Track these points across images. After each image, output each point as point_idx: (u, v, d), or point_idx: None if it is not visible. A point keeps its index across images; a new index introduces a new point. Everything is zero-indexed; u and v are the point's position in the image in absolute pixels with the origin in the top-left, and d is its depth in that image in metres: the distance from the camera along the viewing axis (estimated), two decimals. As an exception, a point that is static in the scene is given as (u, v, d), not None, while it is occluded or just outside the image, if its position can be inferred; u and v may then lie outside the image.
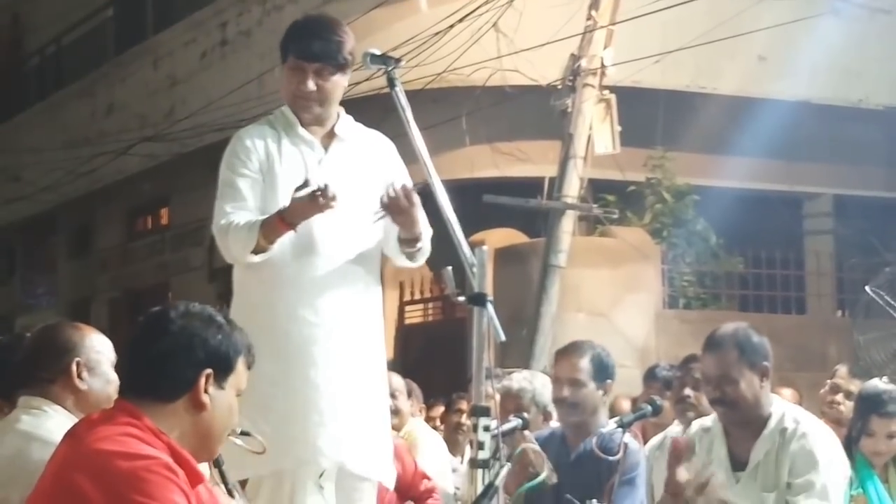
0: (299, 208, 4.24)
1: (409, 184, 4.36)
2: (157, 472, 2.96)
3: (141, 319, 3.23)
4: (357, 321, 4.49)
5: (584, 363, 5.48)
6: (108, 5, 20.11)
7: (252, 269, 4.45)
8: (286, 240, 4.35)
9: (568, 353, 5.62)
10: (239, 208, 4.43)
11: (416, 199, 4.34)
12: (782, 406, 4.90)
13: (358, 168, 4.55)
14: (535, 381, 6.02)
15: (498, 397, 4.79)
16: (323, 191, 4.17)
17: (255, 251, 4.35)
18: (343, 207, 4.37)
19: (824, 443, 4.78)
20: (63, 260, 21.65)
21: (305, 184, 4.22)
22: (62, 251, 21.71)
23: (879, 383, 6.16)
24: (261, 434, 4.19)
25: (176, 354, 3.11)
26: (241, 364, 3.22)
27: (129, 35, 19.06)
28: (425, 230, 4.48)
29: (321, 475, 4.38)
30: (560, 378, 5.55)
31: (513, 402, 5.73)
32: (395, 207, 4.33)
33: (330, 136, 4.57)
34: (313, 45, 4.49)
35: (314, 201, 4.19)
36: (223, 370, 3.17)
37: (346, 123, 4.62)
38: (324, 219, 4.34)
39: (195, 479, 3.09)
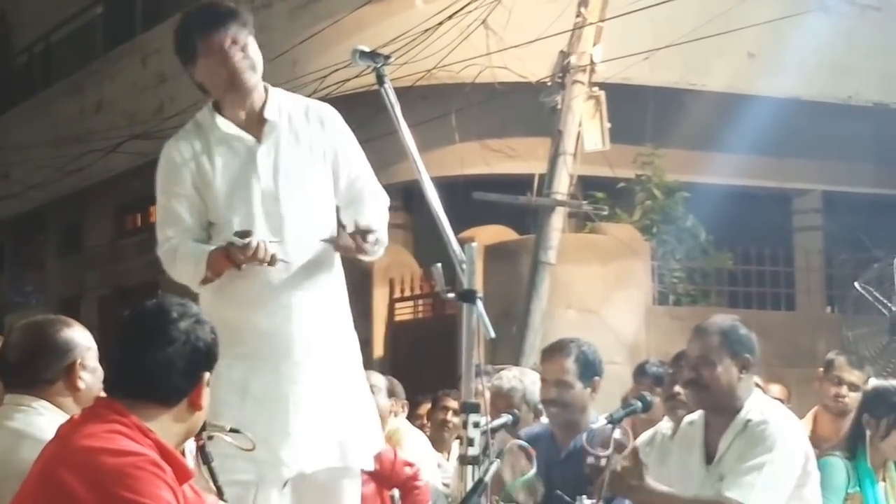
0: (240, 257, 4.16)
1: (361, 222, 4.29)
2: (144, 469, 2.96)
3: (137, 318, 3.20)
4: (322, 316, 4.41)
5: (570, 364, 5.49)
6: (97, 3, 20.07)
7: (210, 286, 4.36)
8: None
9: (553, 353, 5.62)
10: (180, 232, 4.35)
11: (368, 240, 4.29)
12: (758, 400, 4.92)
13: (297, 150, 4.41)
14: (526, 380, 6.02)
15: (488, 395, 4.77)
16: (255, 249, 4.11)
17: (203, 282, 4.30)
18: (289, 196, 4.33)
19: (779, 428, 4.76)
20: (52, 258, 21.61)
21: (246, 234, 4.15)
22: (51, 249, 21.67)
23: (887, 382, 6.17)
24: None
25: (182, 363, 3.12)
26: None
27: (118, 32, 19.03)
28: (378, 223, 4.38)
29: (284, 484, 4.33)
30: (547, 380, 5.56)
31: (503, 401, 5.74)
32: (342, 251, 4.31)
33: (260, 122, 4.41)
34: (216, 16, 4.35)
35: (249, 256, 4.13)
36: (213, 367, 3.19)
37: (274, 104, 4.44)
38: (274, 220, 4.29)
39: (183, 475, 3.09)
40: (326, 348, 4.42)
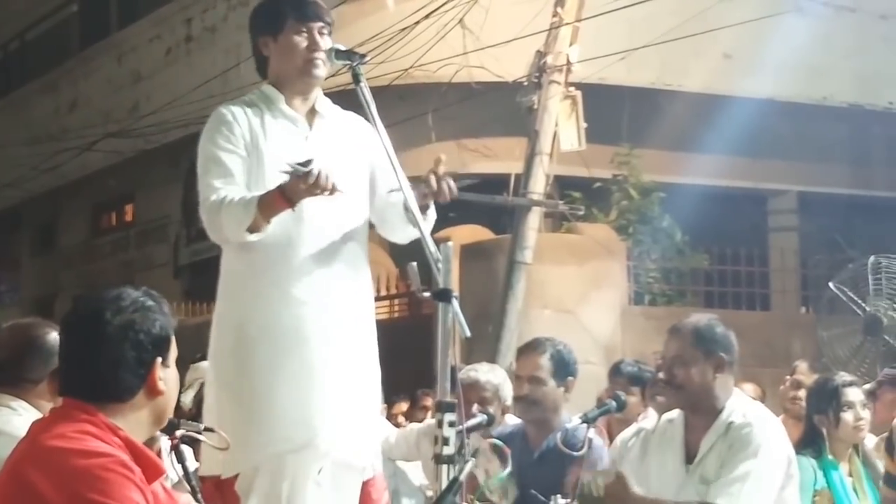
0: (300, 187, 4.06)
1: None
2: (114, 470, 2.93)
3: (72, 325, 3.13)
4: (348, 299, 4.38)
5: (544, 361, 5.51)
6: (73, 1, 20.02)
7: (240, 253, 4.32)
8: (273, 220, 4.20)
9: (528, 350, 5.65)
10: (228, 184, 4.26)
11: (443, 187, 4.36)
12: (739, 401, 4.90)
13: (342, 145, 4.45)
14: (499, 375, 6.03)
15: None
16: (317, 176, 4.02)
17: (251, 229, 4.19)
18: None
19: (763, 432, 4.75)
20: (27, 256, 21.55)
21: (307, 163, 4.05)
22: (26, 248, 21.61)
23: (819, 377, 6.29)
24: (260, 420, 4.14)
25: (126, 358, 3.06)
26: (173, 334, 3.20)
27: (93, 31, 18.99)
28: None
29: (319, 471, 4.29)
30: (520, 376, 5.58)
31: (476, 393, 5.73)
32: (436, 195, 4.30)
33: (312, 112, 4.48)
34: (311, 6, 4.46)
35: (310, 184, 4.03)
36: (167, 350, 3.15)
37: (326, 102, 4.54)
38: (311, 198, 4.20)
39: (154, 473, 3.06)
40: (351, 329, 4.38)
